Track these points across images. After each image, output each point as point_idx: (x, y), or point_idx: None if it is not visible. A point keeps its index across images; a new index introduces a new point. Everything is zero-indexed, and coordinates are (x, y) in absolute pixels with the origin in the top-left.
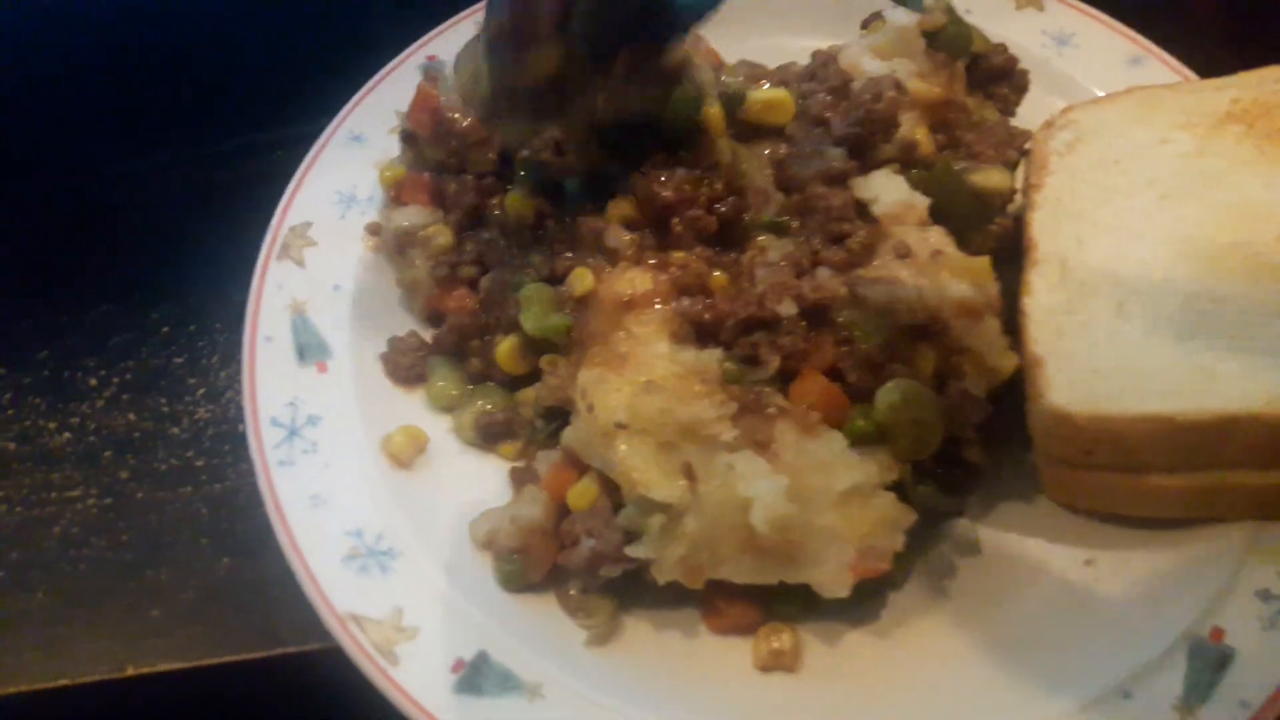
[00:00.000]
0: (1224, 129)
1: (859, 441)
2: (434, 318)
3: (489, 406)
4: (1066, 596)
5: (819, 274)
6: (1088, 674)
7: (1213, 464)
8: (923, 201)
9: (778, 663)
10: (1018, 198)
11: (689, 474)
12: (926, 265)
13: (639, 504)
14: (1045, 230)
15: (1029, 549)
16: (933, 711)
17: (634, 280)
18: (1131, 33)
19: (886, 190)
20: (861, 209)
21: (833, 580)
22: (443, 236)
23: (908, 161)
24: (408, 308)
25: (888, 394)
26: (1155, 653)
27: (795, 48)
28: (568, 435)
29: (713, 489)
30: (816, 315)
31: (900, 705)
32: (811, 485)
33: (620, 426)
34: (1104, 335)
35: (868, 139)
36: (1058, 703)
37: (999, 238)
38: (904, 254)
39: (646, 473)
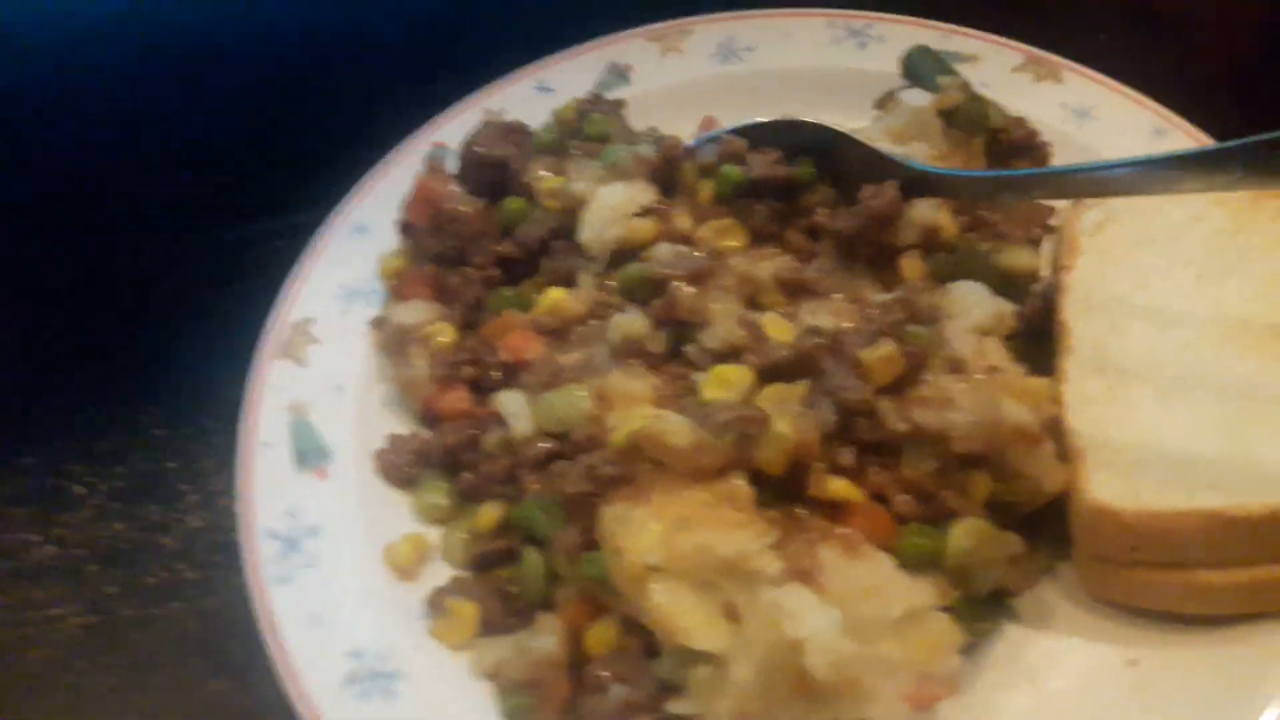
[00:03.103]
0: (1259, 204)
1: (912, 562)
2: (431, 420)
3: (484, 530)
4: (1112, 702)
5: (881, 404)
6: None
7: (1264, 558)
8: (1011, 310)
9: None
10: (1045, 276)
11: (732, 616)
12: (982, 385)
13: (679, 653)
14: (1078, 314)
15: (1071, 650)
16: None
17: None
18: (1152, 103)
19: (973, 302)
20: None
21: (891, 714)
22: (444, 334)
23: (931, 245)
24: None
25: (960, 539)
26: None
27: None
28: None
29: (760, 631)
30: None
31: None
32: (863, 614)
33: (654, 569)
34: (1146, 425)
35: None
36: None
37: (1028, 319)
38: (958, 370)
39: (687, 620)
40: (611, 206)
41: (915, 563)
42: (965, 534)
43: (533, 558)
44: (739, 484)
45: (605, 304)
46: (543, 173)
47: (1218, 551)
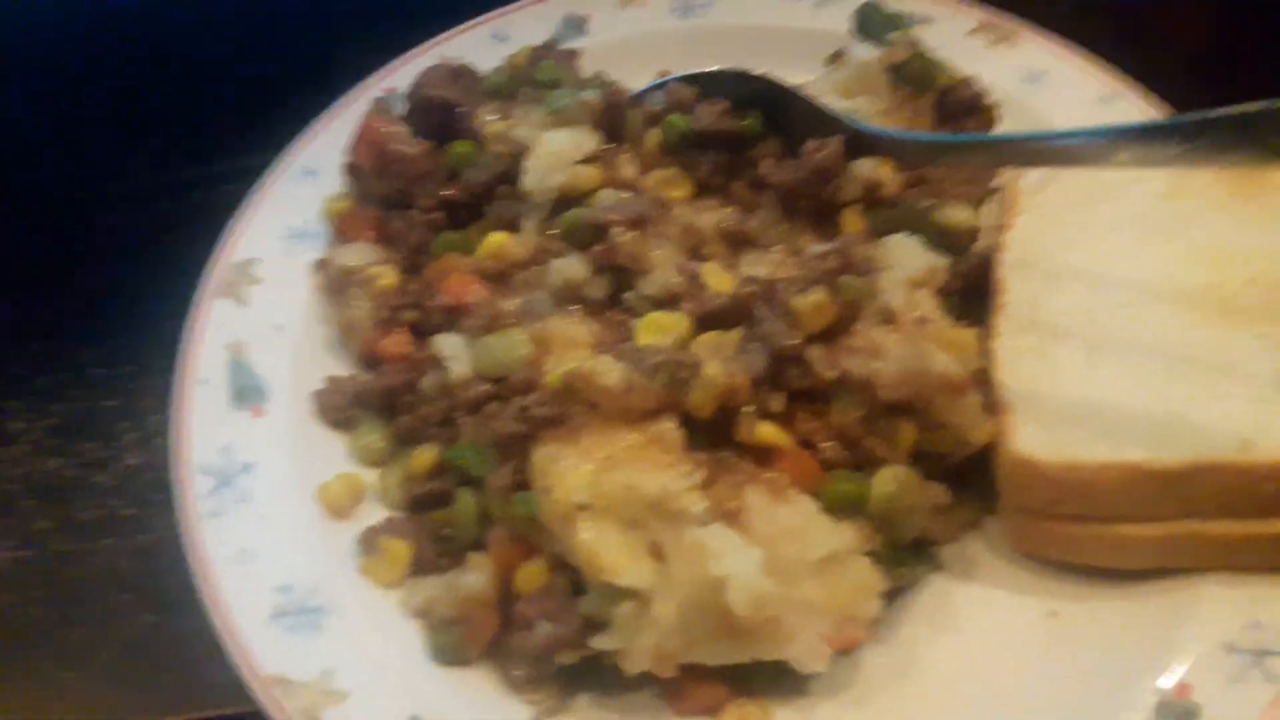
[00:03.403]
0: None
1: (836, 507)
2: (371, 362)
3: (419, 472)
4: (1031, 653)
5: (811, 351)
6: None
7: (1184, 513)
8: (944, 264)
9: None
10: (986, 237)
11: (657, 555)
12: (911, 335)
13: (604, 590)
14: (1014, 272)
15: (993, 602)
16: None
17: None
18: (1105, 70)
19: (908, 256)
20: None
21: (811, 655)
22: (385, 278)
23: (872, 201)
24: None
25: (884, 485)
26: (1121, 712)
27: None
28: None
29: (683, 569)
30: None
31: None
32: (786, 555)
33: (582, 508)
34: (1073, 381)
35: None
36: None
37: (966, 277)
38: (889, 320)
39: (613, 557)
40: (555, 153)
41: (839, 508)
42: (889, 481)
43: (466, 499)
44: (669, 426)
45: (547, 250)
46: (489, 117)
47: (1137, 505)
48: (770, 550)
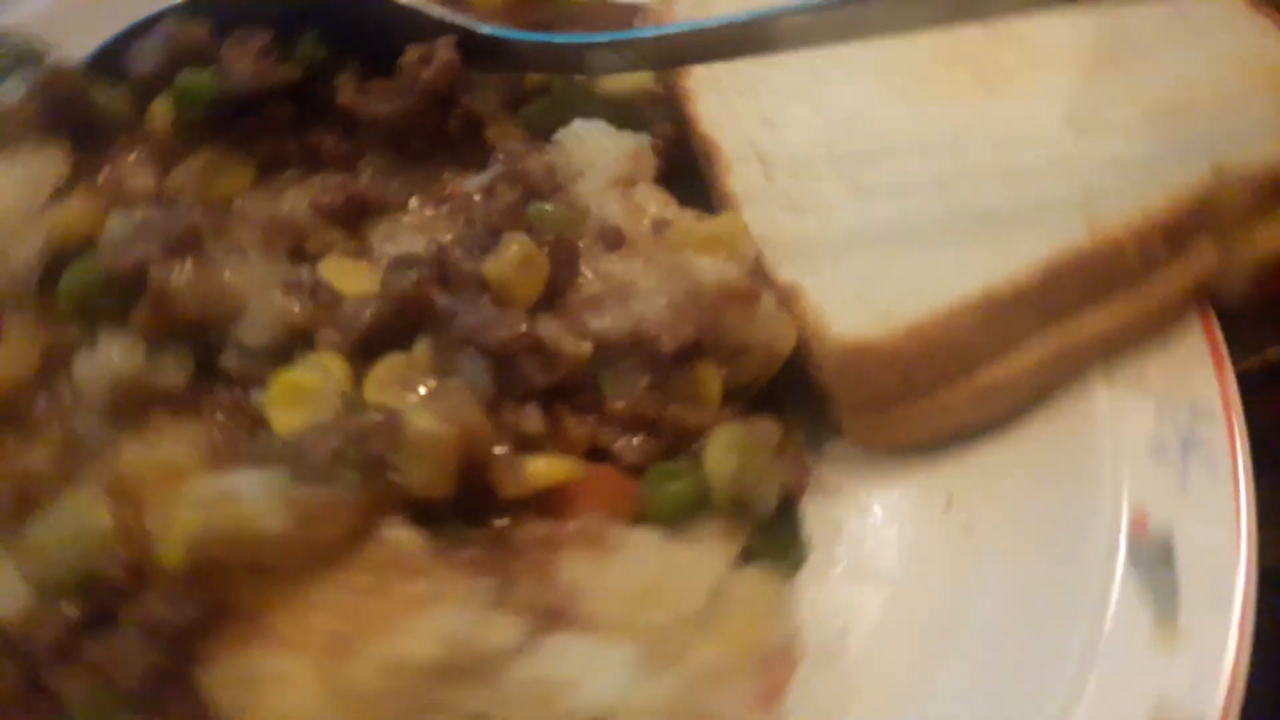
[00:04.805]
0: None
1: (675, 516)
2: None
3: None
4: (948, 555)
5: (542, 328)
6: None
7: (1047, 323)
8: (646, 144)
9: None
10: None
11: None
12: (657, 251)
13: None
14: (720, 122)
15: (885, 523)
16: None
17: None
18: None
19: (598, 148)
20: None
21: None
22: None
23: (515, 99)
24: None
25: (721, 458)
26: (1091, 575)
27: None
28: None
29: None
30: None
31: None
32: (658, 627)
33: None
34: (853, 226)
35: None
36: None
37: (666, 151)
38: (615, 242)
39: None
40: (5, 207)
41: (679, 515)
42: (723, 449)
43: None
44: (397, 535)
45: (57, 348)
46: None
47: (998, 339)
48: (634, 632)
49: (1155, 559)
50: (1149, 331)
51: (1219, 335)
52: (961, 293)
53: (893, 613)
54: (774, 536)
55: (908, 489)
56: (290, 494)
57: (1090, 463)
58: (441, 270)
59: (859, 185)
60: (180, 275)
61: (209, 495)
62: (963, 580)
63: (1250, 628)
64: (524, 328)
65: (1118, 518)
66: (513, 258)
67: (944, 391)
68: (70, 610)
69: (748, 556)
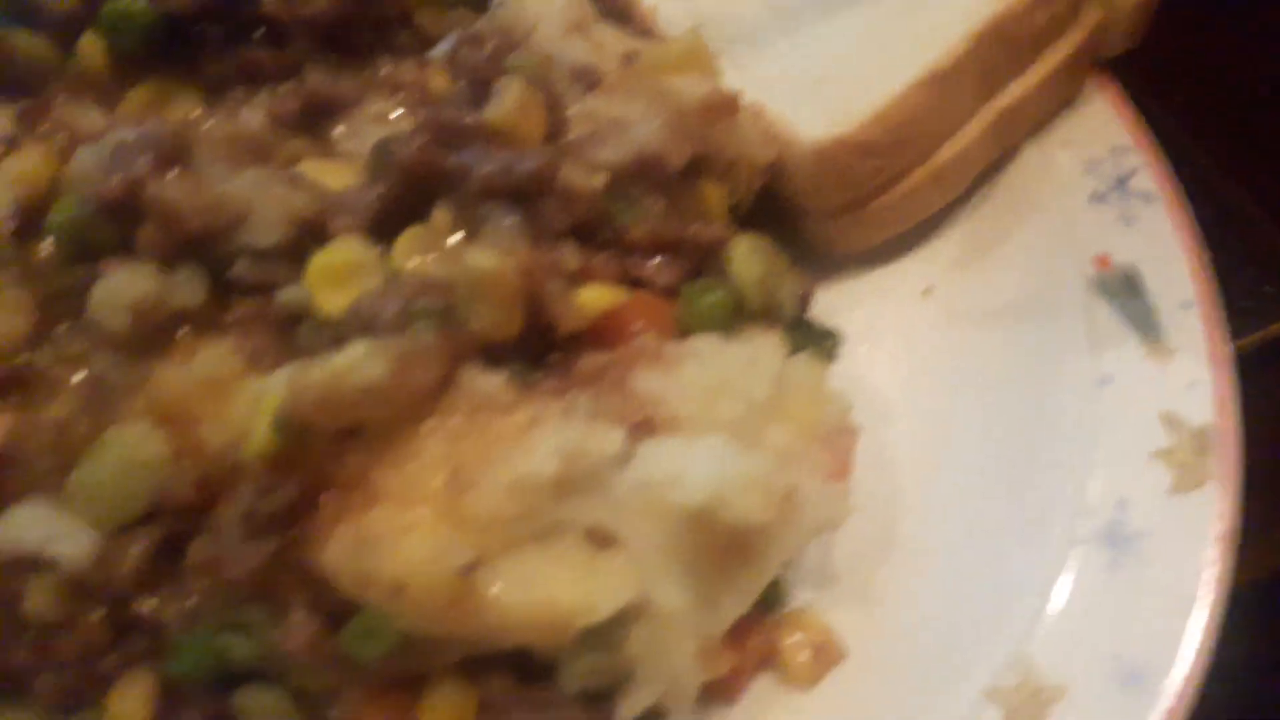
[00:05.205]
0: None
1: (716, 325)
2: None
3: None
4: (933, 341)
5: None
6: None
7: (985, 95)
8: None
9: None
10: None
11: (601, 542)
12: (636, 80)
13: (587, 643)
14: None
15: (880, 314)
16: None
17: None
18: None
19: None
20: None
21: (835, 505)
22: None
23: None
24: None
25: (748, 265)
26: (1074, 319)
27: None
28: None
29: (650, 531)
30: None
31: None
32: (733, 419)
33: (468, 568)
34: (776, 42)
35: None
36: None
37: None
38: (592, 81)
39: (563, 593)
40: None
41: (719, 325)
42: (747, 257)
43: (264, 704)
44: (479, 378)
45: (58, 294)
46: None
47: (947, 117)
48: (715, 426)
49: (1124, 290)
50: (1062, 95)
51: (1119, 87)
52: (910, 76)
53: (908, 393)
54: (805, 330)
55: (885, 290)
56: (385, 349)
57: (1044, 223)
58: (439, 130)
59: (776, 7)
60: (172, 184)
61: (262, 387)
62: (955, 354)
63: (1222, 331)
64: (549, 156)
65: (1082, 264)
66: (514, 99)
67: (907, 180)
68: (142, 541)
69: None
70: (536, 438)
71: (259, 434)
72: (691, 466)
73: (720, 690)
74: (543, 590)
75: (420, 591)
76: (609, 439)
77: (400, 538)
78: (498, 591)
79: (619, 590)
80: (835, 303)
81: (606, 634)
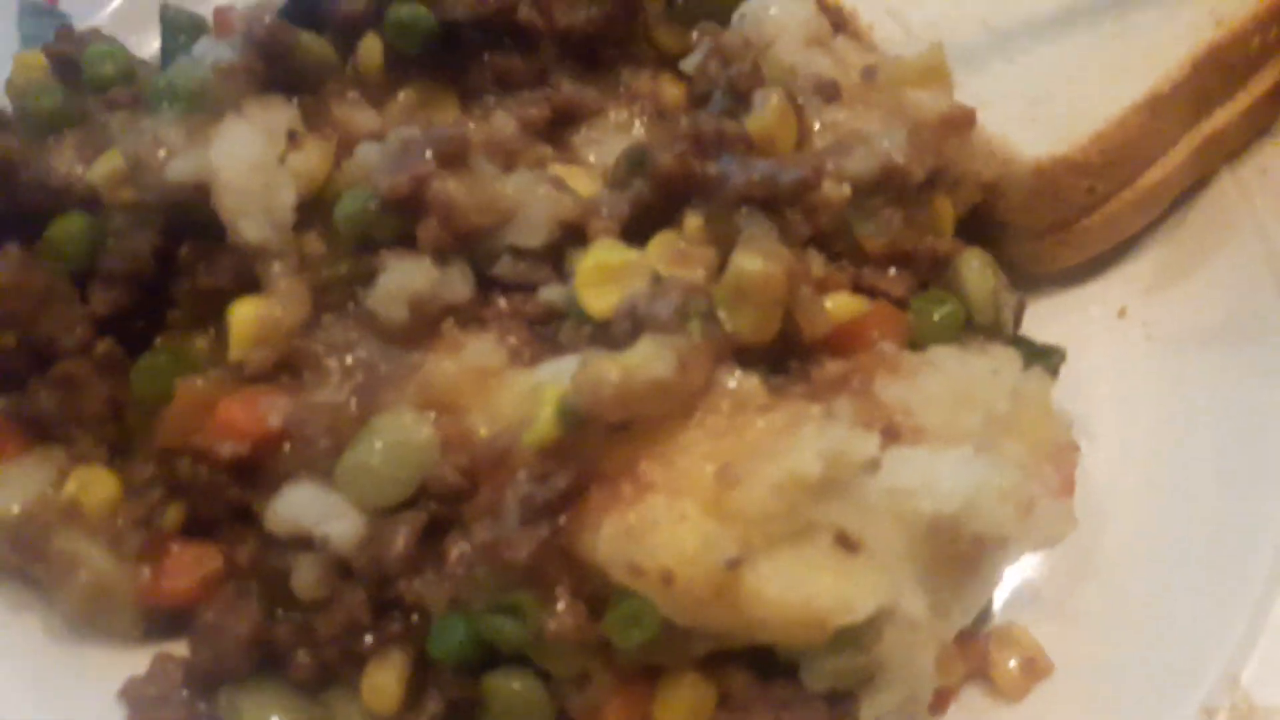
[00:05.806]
0: None
1: (946, 337)
2: (159, 612)
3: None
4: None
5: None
6: None
7: (1193, 121)
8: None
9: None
10: None
11: (850, 546)
12: (876, 93)
13: (839, 643)
14: None
15: (1086, 336)
16: None
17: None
18: None
19: (781, 13)
20: None
21: (1060, 521)
22: (94, 485)
23: None
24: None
25: (978, 277)
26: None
27: None
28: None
29: (897, 536)
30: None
31: None
32: (974, 430)
33: (734, 563)
34: (993, 63)
35: None
36: None
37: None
38: (832, 94)
39: (822, 592)
40: (252, 163)
41: (950, 338)
42: (979, 271)
43: (514, 688)
44: (741, 380)
45: (330, 283)
46: (77, 165)
47: (1157, 140)
48: (958, 437)
49: None
50: (1260, 123)
51: None
52: (1129, 98)
53: (1106, 412)
54: (1029, 346)
55: (1081, 309)
56: (665, 345)
57: (1241, 247)
58: (700, 140)
59: (993, 28)
60: (450, 182)
61: (528, 382)
62: (1157, 376)
63: None
64: (813, 166)
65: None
66: (774, 110)
67: (1113, 202)
68: (410, 523)
69: None
70: (801, 438)
71: (541, 423)
72: (943, 476)
73: (933, 699)
74: (804, 588)
75: (688, 582)
76: (870, 443)
77: (672, 527)
78: (761, 586)
79: (875, 593)
80: (1029, 321)
81: (859, 636)
